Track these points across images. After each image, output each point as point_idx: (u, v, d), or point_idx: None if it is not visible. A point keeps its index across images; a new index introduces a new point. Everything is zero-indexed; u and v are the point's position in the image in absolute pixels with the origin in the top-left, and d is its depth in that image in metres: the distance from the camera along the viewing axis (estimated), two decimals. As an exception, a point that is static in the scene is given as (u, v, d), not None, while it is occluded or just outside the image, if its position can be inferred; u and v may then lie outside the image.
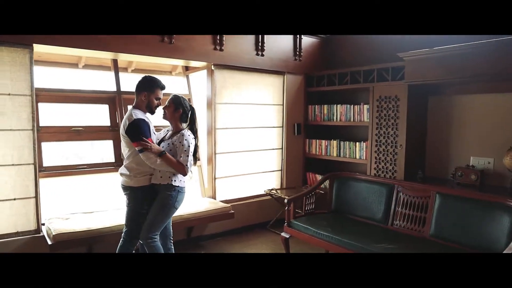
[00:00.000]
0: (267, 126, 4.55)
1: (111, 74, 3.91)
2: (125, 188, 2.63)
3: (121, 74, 3.92)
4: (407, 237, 2.92)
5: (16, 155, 2.93)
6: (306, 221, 3.31)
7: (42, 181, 3.18)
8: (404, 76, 3.55)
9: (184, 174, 2.58)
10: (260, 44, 4.21)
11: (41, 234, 3.06)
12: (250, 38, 4.17)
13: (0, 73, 2.83)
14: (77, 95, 3.64)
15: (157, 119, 2.82)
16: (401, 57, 3.52)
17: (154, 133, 2.68)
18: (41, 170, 3.23)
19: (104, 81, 3.99)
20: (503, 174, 3.30)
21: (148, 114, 2.66)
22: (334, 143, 4.49)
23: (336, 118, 4.48)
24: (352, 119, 4.29)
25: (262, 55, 4.25)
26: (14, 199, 2.95)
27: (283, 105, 4.66)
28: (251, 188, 4.47)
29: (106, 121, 3.83)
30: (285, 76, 4.60)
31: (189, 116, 2.74)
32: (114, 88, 3.84)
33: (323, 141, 4.64)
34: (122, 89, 3.85)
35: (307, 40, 4.71)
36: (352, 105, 4.28)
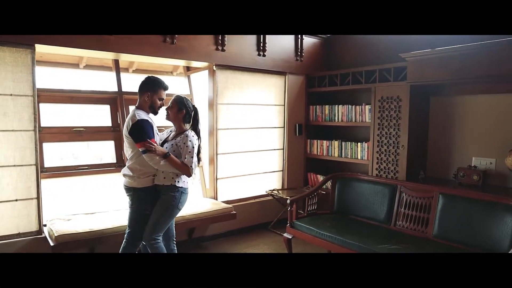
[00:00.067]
0: (268, 127, 4.55)
1: (112, 74, 3.90)
2: (128, 189, 2.61)
3: (122, 75, 3.91)
4: (411, 238, 2.92)
5: (18, 156, 2.92)
6: (308, 221, 3.30)
7: (43, 182, 3.17)
8: (406, 76, 3.55)
9: (189, 175, 2.57)
10: (261, 44, 4.21)
11: (43, 235, 3.04)
12: (252, 39, 4.16)
13: (2, 73, 2.81)
14: (78, 96, 3.62)
15: (159, 120, 2.81)
16: (403, 58, 3.52)
17: (157, 134, 2.67)
18: (42, 171, 3.22)
19: (105, 82, 3.97)
20: (505, 175, 3.31)
21: (151, 115, 2.64)
22: (336, 143, 4.49)
23: (338, 119, 4.48)
24: (353, 120, 4.29)
25: (264, 55, 4.25)
26: (16, 200, 2.93)
27: (284, 105, 4.66)
28: (252, 188, 4.47)
29: (107, 122, 3.81)
30: (286, 77, 4.59)
31: (192, 116, 2.73)
32: (115, 89, 3.82)
33: (325, 142, 4.64)
34: (124, 89, 3.84)
35: (308, 41, 4.71)
36: (353, 106, 4.28)
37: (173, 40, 3.54)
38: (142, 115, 2.52)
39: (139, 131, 2.45)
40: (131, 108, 3.83)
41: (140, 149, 2.47)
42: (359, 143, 4.23)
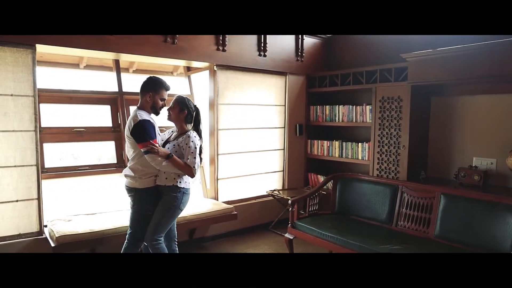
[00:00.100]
0: (269, 127, 4.55)
1: (112, 74, 3.89)
2: (130, 189, 2.61)
3: (122, 75, 3.90)
4: (412, 238, 2.92)
5: (19, 156, 2.90)
6: (310, 222, 3.30)
7: (44, 183, 3.15)
8: (407, 77, 3.55)
9: (192, 176, 2.56)
10: (262, 44, 4.21)
11: (44, 236, 3.03)
12: (253, 39, 4.16)
13: (3, 73, 2.80)
14: (79, 96, 3.61)
15: (160, 120, 2.81)
16: (404, 58, 3.53)
17: (159, 134, 2.67)
18: (43, 172, 3.20)
19: (105, 82, 3.96)
20: (506, 175, 3.31)
21: (152, 115, 2.64)
22: (336, 143, 4.49)
23: (338, 119, 4.48)
24: (354, 120, 4.30)
25: (265, 55, 4.24)
26: (17, 200, 2.92)
27: (285, 105, 4.65)
28: (253, 189, 4.46)
29: (108, 122, 3.80)
30: (287, 77, 4.59)
31: (193, 117, 2.72)
32: (115, 89, 3.81)
33: (325, 142, 4.64)
34: (124, 89, 3.83)
35: (309, 41, 4.71)
36: (354, 106, 4.28)
37: (174, 40, 3.54)
38: (144, 115, 2.52)
39: (141, 132, 2.45)
40: (132, 108, 3.86)
41: (142, 150, 2.46)
42: (359, 143, 4.23)
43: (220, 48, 3.89)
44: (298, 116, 4.77)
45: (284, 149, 4.72)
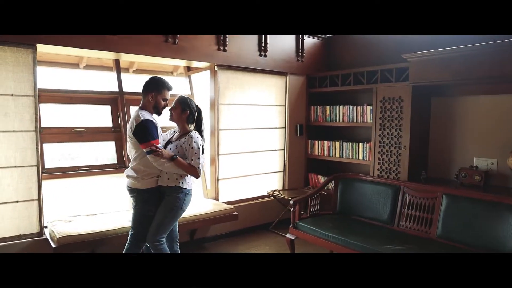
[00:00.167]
0: (269, 127, 4.54)
1: (112, 74, 3.88)
2: (132, 190, 2.59)
3: (122, 75, 3.88)
4: (414, 238, 2.92)
5: (19, 157, 2.88)
6: (311, 222, 3.30)
7: (44, 183, 3.13)
8: (408, 77, 3.55)
9: (197, 176, 2.55)
10: (263, 44, 4.20)
11: (44, 237, 3.01)
12: (253, 39, 4.15)
13: (3, 73, 2.78)
14: (79, 96, 3.59)
15: (161, 121, 2.79)
16: (404, 58, 3.53)
17: (161, 135, 2.65)
18: (43, 172, 3.18)
19: (105, 82, 3.94)
20: (507, 175, 3.32)
21: (154, 115, 2.62)
22: (337, 144, 4.49)
23: (339, 119, 4.48)
24: (355, 120, 4.30)
25: (265, 55, 4.24)
26: (17, 201, 2.90)
27: (285, 106, 4.65)
28: (253, 189, 4.45)
29: (108, 122, 3.78)
30: (287, 77, 4.59)
31: (195, 117, 2.71)
32: (115, 89, 3.79)
33: (325, 142, 4.64)
34: (124, 89, 3.81)
35: (309, 41, 4.71)
36: (354, 106, 4.28)
37: (175, 40, 3.52)
38: (146, 115, 2.50)
39: (143, 132, 2.43)
40: (132, 108, 3.84)
41: (144, 150, 2.44)
42: (360, 144, 4.24)
43: (221, 48, 3.88)
44: (298, 116, 4.76)
45: (284, 149, 4.72)
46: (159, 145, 2.46)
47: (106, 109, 3.79)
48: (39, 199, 2.99)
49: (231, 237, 4.13)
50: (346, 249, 2.89)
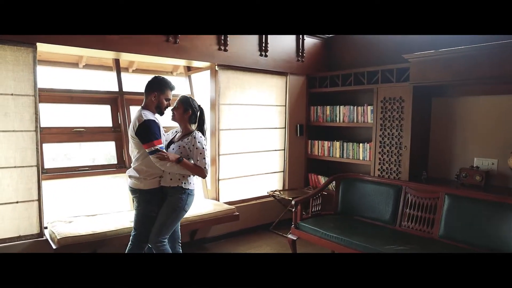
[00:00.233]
0: (269, 127, 4.53)
1: (112, 74, 3.85)
2: (134, 190, 2.57)
3: (122, 74, 3.85)
4: (417, 238, 2.93)
5: (19, 157, 2.85)
6: (313, 222, 3.29)
7: (44, 183, 3.10)
8: (409, 77, 3.56)
9: (204, 176, 2.54)
10: (263, 44, 4.19)
11: (44, 238, 2.98)
12: (254, 39, 4.15)
13: (3, 73, 2.75)
14: (78, 95, 3.56)
15: (163, 121, 2.77)
16: (405, 59, 3.54)
17: (164, 135, 2.64)
18: (43, 172, 3.15)
19: (105, 81, 3.92)
20: (508, 175, 3.33)
21: (157, 115, 2.60)
22: (337, 144, 4.49)
23: (339, 119, 4.48)
24: (355, 120, 4.30)
25: (266, 55, 4.23)
26: (17, 202, 2.87)
27: (285, 106, 4.64)
28: (254, 189, 4.44)
29: (108, 122, 3.76)
30: (287, 77, 4.58)
31: (198, 117, 2.70)
32: (115, 88, 3.77)
33: (326, 142, 4.64)
34: (124, 89, 3.79)
35: (309, 41, 4.70)
36: (355, 106, 4.28)
37: (175, 40, 3.51)
38: (148, 115, 2.48)
39: (146, 132, 2.41)
40: (132, 108, 3.82)
41: (147, 150, 2.42)
42: (361, 144, 4.24)
43: (222, 48, 3.87)
44: (298, 117, 4.76)
45: (284, 149, 4.71)
46: (161, 146, 2.44)
47: (106, 109, 3.77)
48: (39, 199, 2.96)
49: (231, 238, 4.12)
50: (348, 249, 2.88)
